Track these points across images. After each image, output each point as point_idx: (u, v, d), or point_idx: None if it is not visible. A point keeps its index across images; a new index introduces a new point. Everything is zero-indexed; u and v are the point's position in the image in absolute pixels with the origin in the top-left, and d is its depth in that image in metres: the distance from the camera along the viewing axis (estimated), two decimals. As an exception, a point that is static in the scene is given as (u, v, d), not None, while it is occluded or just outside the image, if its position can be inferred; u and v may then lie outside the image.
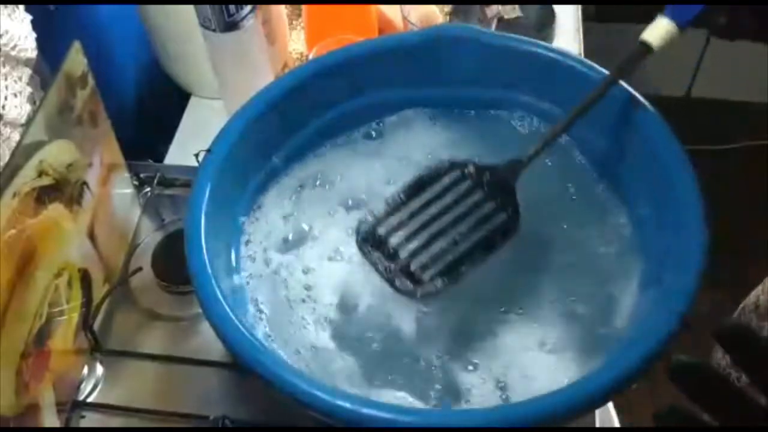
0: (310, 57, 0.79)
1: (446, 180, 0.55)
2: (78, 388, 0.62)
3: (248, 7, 0.74)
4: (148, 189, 0.74)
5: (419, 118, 0.66)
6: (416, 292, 0.51)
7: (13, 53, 0.60)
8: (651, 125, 0.56)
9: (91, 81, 0.61)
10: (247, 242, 0.59)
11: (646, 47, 0.54)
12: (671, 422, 0.38)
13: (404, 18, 0.82)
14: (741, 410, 0.37)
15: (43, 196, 0.54)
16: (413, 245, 0.53)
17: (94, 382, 0.63)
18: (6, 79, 0.61)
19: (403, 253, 0.53)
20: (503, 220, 0.54)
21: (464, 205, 0.54)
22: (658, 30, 0.54)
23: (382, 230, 0.53)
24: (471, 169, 0.55)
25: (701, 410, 0.38)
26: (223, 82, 0.81)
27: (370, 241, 0.54)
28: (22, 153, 0.52)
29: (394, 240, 0.53)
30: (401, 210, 0.54)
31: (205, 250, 0.51)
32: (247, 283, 0.57)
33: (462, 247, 0.53)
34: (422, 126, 0.65)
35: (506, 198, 0.54)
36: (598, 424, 0.61)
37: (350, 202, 0.61)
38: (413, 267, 0.52)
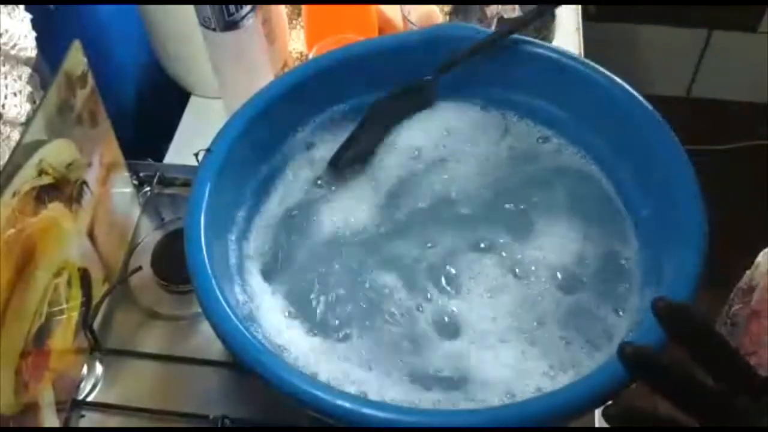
0: (310, 57, 0.79)
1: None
2: (77, 387, 0.62)
3: (248, 7, 0.74)
4: (148, 188, 0.74)
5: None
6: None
7: (12, 52, 0.60)
8: (651, 125, 0.56)
9: (90, 80, 0.61)
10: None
11: None
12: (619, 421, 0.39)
13: (404, 18, 0.82)
14: (692, 394, 0.38)
15: (43, 195, 0.54)
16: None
17: (93, 382, 0.63)
18: (6, 78, 0.61)
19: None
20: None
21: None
22: None
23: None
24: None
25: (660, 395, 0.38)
26: (223, 81, 0.81)
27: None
28: (22, 152, 0.52)
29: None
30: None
31: (205, 250, 0.51)
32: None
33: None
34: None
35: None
36: (597, 424, 0.61)
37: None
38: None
